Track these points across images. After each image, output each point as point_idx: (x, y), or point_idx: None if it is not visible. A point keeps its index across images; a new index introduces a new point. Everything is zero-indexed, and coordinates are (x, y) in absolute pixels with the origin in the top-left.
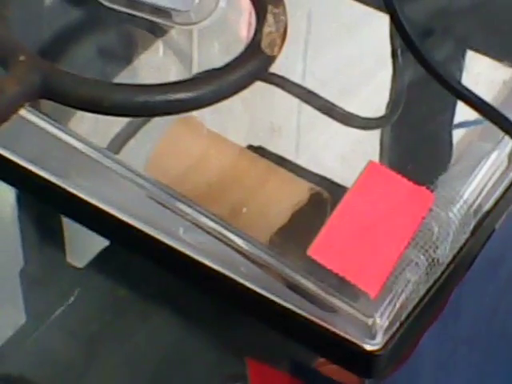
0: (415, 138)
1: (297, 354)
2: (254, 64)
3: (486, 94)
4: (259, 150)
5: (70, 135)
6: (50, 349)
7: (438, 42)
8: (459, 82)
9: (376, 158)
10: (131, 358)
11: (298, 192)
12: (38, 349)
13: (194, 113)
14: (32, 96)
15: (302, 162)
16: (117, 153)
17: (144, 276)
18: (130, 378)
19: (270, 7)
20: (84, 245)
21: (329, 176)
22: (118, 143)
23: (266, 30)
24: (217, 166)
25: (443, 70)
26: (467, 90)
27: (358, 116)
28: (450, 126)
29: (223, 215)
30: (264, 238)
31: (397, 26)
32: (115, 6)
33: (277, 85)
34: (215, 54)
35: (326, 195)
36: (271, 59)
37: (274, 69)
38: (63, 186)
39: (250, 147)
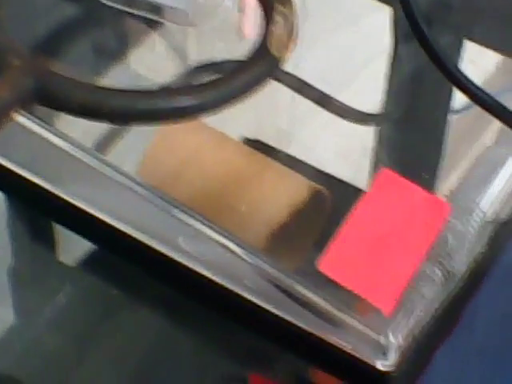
0: (414, 132)
1: (303, 370)
2: (261, 68)
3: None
4: (256, 144)
5: (62, 138)
6: (40, 348)
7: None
8: (472, 82)
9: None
10: (122, 356)
11: (296, 189)
12: (27, 348)
13: None
14: (26, 102)
15: (298, 155)
16: (108, 152)
17: (136, 275)
18: (120, 376)
19: (278, 6)
20: (75, 243)
21: (326, 170)
22: (110, 142)
23: (274, 31)
24: (212, 161)
25: (454, 65)
26: (480, 89)
27: (358, 110)
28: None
29: (219, 213)
30: (261, 237)
31: (405, 10)
32: (113, 4)
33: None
34: (213, 50)
35: (326, 192)
36: (279, 62)
37: None
38: (54, 191)
39: (247, 141)
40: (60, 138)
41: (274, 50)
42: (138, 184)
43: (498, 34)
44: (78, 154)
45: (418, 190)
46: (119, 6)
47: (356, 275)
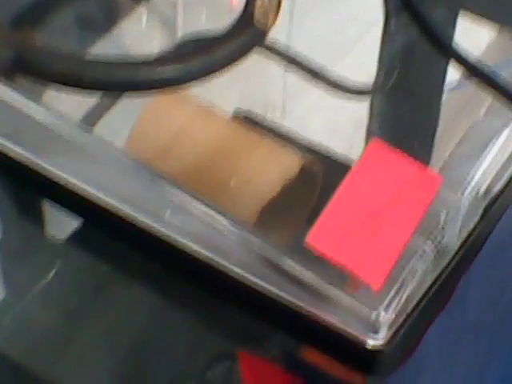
0: (406, 105)
1: (293, 347)
2: (245, 38)
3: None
4: (247, 117)
5: (45, 112)
6: (30, 324)
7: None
8: (465, 55)
9: (364, 125)
10: (112, 332)
11: (287, 163)
12: (17, 324)
13: None
14: (6, 72)
15: (289, 128)
16: (94, 125)
17: (125, 250)
18: (111, 352)
19: None
20: (64, 217)
21: (317, 143)
22: (97, 115)
23: (258, 1)
24: (202, 136)
25: (448, 37)
26: (477, 63)
27: (349, 84)
28: (441, 92)
29: (209, 188)
30: (252, 213)
31: None
32: None
33: (263, 51)
34: (202, 22)
35: (316, 166)
36: (264, 33)
37: None
38: (38, 164)
39: (238, 114)
40: (44, 111)
41: (257, 21)
42: (124, 157)
43: (492, 4)
44: (62, 127)
45: (408, 163)
46: None
47: (345, 250)
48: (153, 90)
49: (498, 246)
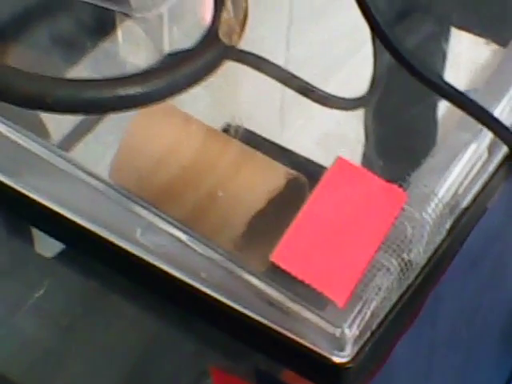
0: (397, 123)
1: (263, 364)
2: (210, 55)
3: (468, 74)
4: (237, 130)
5: (20, 133)
6: (20, 341)
7: (418, 20)
8: (433, 73)
9: (355, 142)
10: (103, 350)
11: (273, 177)
12: (7, 341)
13: None
14: None
15: (279, 142)
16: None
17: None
18: (100, 370)
19: None
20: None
21: (305, 157)
22: (79, 136)
23: (224, 16)
24: (189, 151)
25: (411, 56)
26: (443, 81)
27: (335, 96)
28: (434, 109)
29: (195, 205)
30: (239, 228)
31: (366, 17)
32: None
33: (254, 66)
34: (176, 41)
35: (303, 180)
36: (229, 48)
37: (257, 48)
38: (13, 185)
39: (229, 127)
40: (14, 130)
41: (223, 37)
42: (96, 178)
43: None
44: (33, 146)
45: (373, 178)
46: None
47: (309, 266)
48: (117, 111)
49: (470, 262)
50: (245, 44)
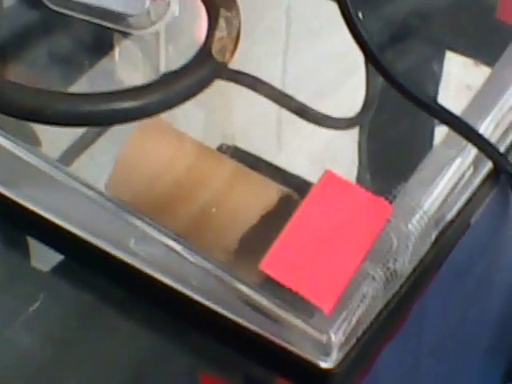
0: (388, 140)
1: (254, 371)
2: (203, 71)
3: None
4: (232, 150)
5: (16, 144)
6: (15, 355)
7: (411, 44)
8: (423, 93)
9: (349, 160)
10: (98, 364)
11: (266, 194)
12: (1, 355)
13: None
14: None
15: (272, 161)
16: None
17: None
18: (95, 382)
19: (222, 10)
20: (48, 248)
21: (298, 175)
22: (78, 150)
23: (218, 34)
24: (184, 168)
25: (402, 77)
26: (430, 99)
27: (329, 116)
28: (427, 127)
29: (189, 221)
30: (230, 245)
31: (356, 39)
32: (64, 11)
33: (248, 85)
34: (172, 60)
35: (295, 197)
36: (222, 66)
37: (254, 67)
38: (9, 196)
39: (223, 146)
40: (11, 141)
41: (216, 54)
42: (91, 189)
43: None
44: (29, 157)
45: (360, 191)
46: (69, 13)
47: (297, 275)
48: (112, 123)
49: (456, 273)
50: (241, 64)
